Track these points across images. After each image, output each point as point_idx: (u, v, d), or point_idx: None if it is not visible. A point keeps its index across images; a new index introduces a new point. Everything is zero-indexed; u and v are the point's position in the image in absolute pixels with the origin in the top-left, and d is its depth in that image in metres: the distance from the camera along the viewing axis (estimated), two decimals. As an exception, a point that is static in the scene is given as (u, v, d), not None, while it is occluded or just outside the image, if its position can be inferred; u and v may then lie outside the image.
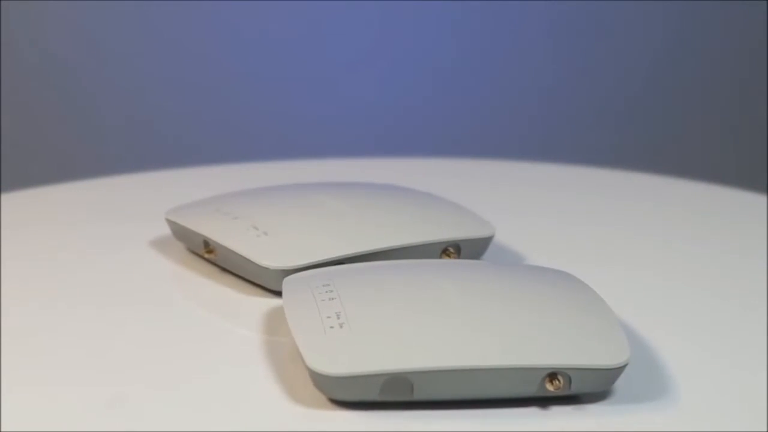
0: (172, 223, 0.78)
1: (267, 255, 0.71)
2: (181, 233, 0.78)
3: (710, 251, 0.83)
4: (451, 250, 0.75)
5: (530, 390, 0.58)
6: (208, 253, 0.75)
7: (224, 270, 0.75)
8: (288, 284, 0.67)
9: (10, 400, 0.59)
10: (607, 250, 0.84)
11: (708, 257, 0.82)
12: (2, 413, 0.58)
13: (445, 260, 0.73)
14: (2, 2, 1.60)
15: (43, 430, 0.57)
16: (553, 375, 0.58)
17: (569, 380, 0.58)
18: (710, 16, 1.72)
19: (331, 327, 0.60)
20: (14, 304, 0.71)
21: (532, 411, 0.58)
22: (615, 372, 0.58)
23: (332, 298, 0.63)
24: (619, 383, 0.59)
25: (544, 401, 0.59)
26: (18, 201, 0.93)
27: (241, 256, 0.72)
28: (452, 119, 1.67)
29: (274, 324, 0.68)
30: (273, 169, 1.06)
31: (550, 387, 0.58)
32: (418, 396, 0.57)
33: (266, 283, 0.71)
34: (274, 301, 0.71)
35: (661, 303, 0.73)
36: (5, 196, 0.93)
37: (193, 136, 1.55)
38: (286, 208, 0.77)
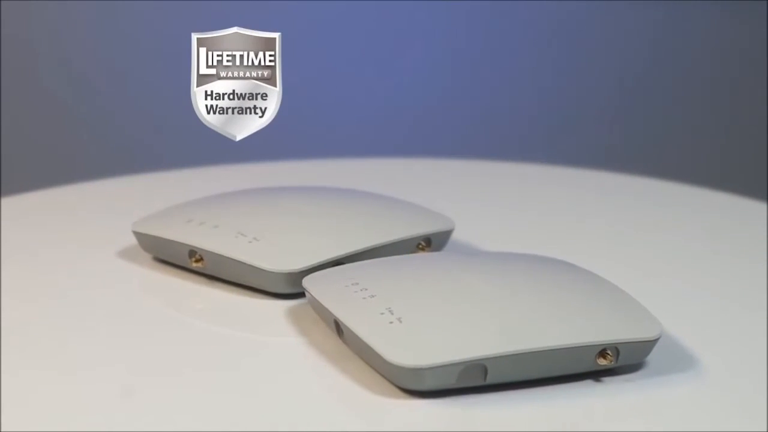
0: (142, 235, 0.78)
1: (269, 259, 0.73)
2: (155, 244, 0.78)
3: (701, 251, 0.88)
4: (424, 243, 0.79)
5: (584, 366, 0.63)
6: (195, 263, 0.75)
7: (211, 277, 0.76)
8: (311, 285, 0.69)
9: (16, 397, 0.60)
10: (582, 246, 0.87)
11: (698, 256, 0.87)
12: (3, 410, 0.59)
13: (448, 253, 0.77)
14: (2, 3, 1.55)
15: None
16: (603, 350, 0.63)
17: (617, 354, 0.63)
18: (709, 17, 1.73)
19: (391, 322, 0.63)
20: (19, 303, 0.72)
21: (590, 384, 0.63)
22: (652, 344, 0.64)
23: (372, 296, 0.66)
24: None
25: (593, 375, 0.64)
26: (18, 204, 0.92)
27: (241, 262, 0.73)
28: (449, 120, 1.67)
29: (290, 325, 0.70)
30: (256, 170, 1.07)
31: (603, 361, 0.63)
32: (490, 380, 0.61)
33: (268, 287, 0.73)
34: (274, 303, 0.73)
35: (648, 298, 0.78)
36: (5, 200, 0.91)
37: (191, 136, 1.50)
38: (261, 213, 0.78)
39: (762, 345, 0.69)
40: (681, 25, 1.76)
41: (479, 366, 0.61)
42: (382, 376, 0.62)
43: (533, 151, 1.62)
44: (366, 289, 0.67)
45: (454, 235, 0.81)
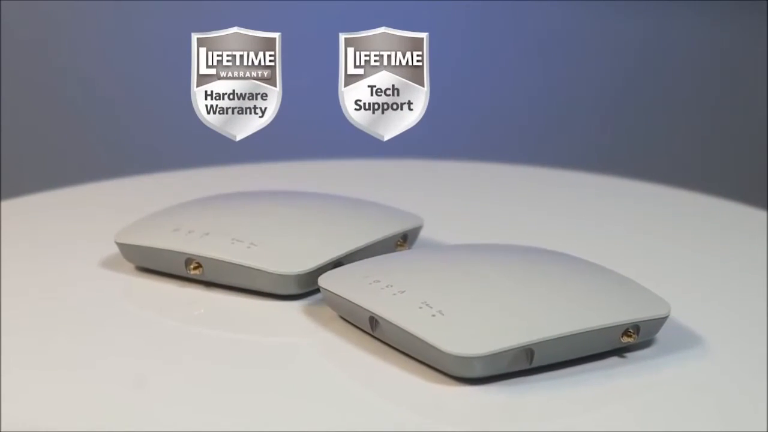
0: (128, 246, 0.78)
1: (277, 262, 0.74)
2: (143, 254, 0.78)
3: (686, 249, 0.91)
4: (401, 240, 0.82)
5: (611, 344, 0.68)
6: (194, 270, 0.76)
7: (208, 283, 0.77)
8: (331, 284, 0.71)
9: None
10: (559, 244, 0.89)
11: (686, 254, 0.90)
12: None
13: (445, 247, 0.80)
14: (2, 3, 1.51)
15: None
16: (626, 329, 0.68)
17: (638, 331, 0.68)
18: (702, 20, 1.73)
19: (433, 315, 0.66)
20: (20, 308, 0.73)
21: (617, 361, 0.68)
22: (663, 320, 0.70)
23: (402, 291, 0.69)
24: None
25: (616, 352, 0.69)
26: (17, 207, 0.92)
27: (248, 267, 0.74)
28: (444, 122, 1.65)
29: (311, 325, 0.72)
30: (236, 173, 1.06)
31: (626, 339, 0.68)
32: (535, 363, 0.65)
33: (275, 289, 0.74)
34: (282, 305, 0.74)
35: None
36: (5, 203, 0.90)
37: (187, 137, 1.45)
38: (247, 219, 0.79)
39: (761, 332, 0.74)
40: (676, 28, 1.77)
41: (528, 351, 0.65)
42: (430, 366, 0.65)
43: (530, 153, 1.65)
44: (391, 286, 0.69)
45: (425, 233, 0.84)
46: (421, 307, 0.67)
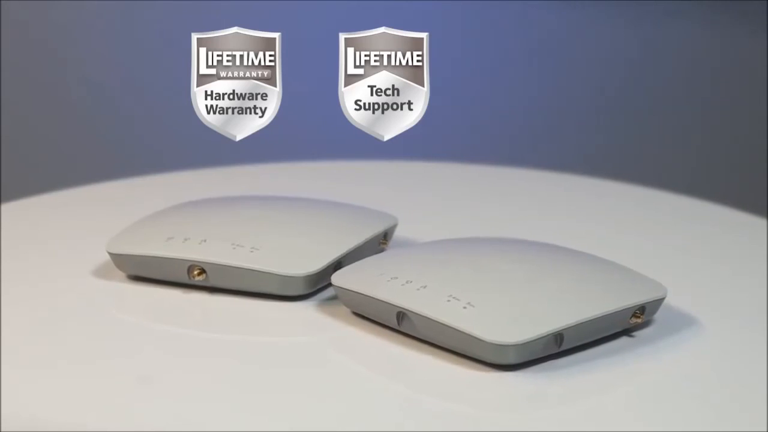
0: (122, 256, 0.78)
1: (283, 265, 0.75)
2: (137, 262, 0.78)
3: (672, 250, 0.93)
4: (384, 239, 0.84)
5: (622, 325, 0.72)
6: (197, 276, 0.76)
7: (211, 289, 0.77)
8: (348, 283, 0.73)
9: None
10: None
11: (673, 254, 0.92)
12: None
13: (452, 240, 0.82)
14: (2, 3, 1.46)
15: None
16: (635, 310, 0.72)
17: (643, 312, 0.73)
18: (703, 21, 1.73)
19: (464, 307, 0.69)
20: (21, 313, 0.73)
21: (628, 340, 0.72)
22: (662, 301, 0.74)
23: (424, 286, 0.71)
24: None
25: (624, 333, 0.73)
26: (17, 209, 0.91)
27: (255, 270, 0.75)
28: (439, 124, 1.59)
29: (332, 323, 0.74)
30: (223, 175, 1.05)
31: (635, 320, 0.72)
32: (563, 347, 0.69)
33: (284, 291, 0.76)
34: (290, 306, 0.76)
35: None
36: (5, 206, 0.88)
37: (187, 137, 1.37)
38: (241, 223, 0.80)
39: (749, 310, 0.79)
40: (675, 30, 1.76)
41: (559, 336, 0.68)
42: (458, 355, 0.68)
43: (532, 155, 1.66)
44: (411, 282, 0.71)
45: (398, 232, 0.86)
46: (449, 300, 0.69)
